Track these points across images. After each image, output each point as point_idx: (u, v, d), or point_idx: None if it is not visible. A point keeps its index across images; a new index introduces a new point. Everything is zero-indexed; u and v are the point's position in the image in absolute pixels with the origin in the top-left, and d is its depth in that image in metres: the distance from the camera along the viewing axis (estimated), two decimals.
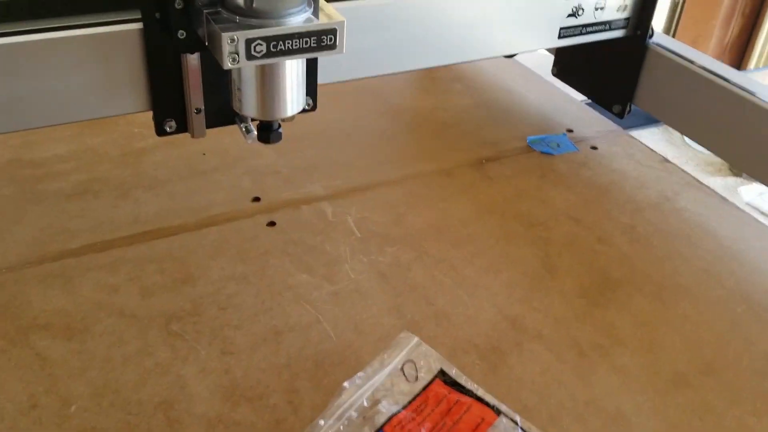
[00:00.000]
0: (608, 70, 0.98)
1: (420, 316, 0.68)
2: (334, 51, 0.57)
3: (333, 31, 0.56)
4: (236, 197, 0.83)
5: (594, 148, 0.98)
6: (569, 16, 0.87)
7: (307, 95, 0.71)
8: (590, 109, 1.07)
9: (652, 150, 0.99)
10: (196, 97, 0.66)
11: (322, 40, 0.56)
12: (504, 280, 0.74)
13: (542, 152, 0.96)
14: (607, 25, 0.91)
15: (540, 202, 0.86)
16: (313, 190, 0.85)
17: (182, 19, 0.60)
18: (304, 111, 0.72)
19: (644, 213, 0.86)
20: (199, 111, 0.67)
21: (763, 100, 0.81)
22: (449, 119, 1.02)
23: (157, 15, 0.60)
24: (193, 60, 0.63)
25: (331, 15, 0.57)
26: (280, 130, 0.66)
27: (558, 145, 0.98)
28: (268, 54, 0.55)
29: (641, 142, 1.00)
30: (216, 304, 0.68)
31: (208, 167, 0.88)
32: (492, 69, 1.17)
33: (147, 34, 0.62)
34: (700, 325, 0.70)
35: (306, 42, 0.56)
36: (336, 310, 0.68)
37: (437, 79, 1.13)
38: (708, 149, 0.90)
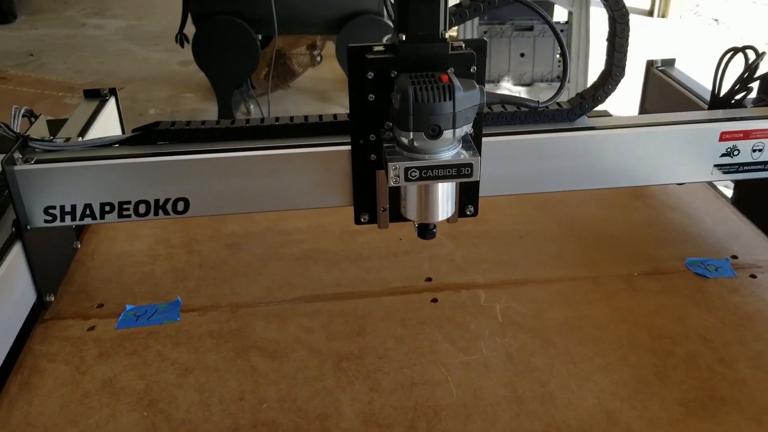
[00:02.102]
0: None
1: (529, 393, 0.83)
2: (471, 178, 0.78)
3: (469, 165, 0.77)
4: (414, 276, 1.06)
5: (753, 276, 1.03)
6: (723, 155, 0.97)
7: (470, 204, 0.92)
8: (766, 239, 1.12)
9: None
10: (382, 200, 0.91)
11: (461, 170, 0.77)
12: (615, 379, 0.85)
13: (697, 273, 1.04)
14: (767, 166, 0.98)
15: (676, 319, 0.95)
16: (475, 279, 1.04)
17: (374, 147, 0.85)
18: (467, 216, 0.93)
19: None
20: (384, 209, 0.92)
21: None
22: (617, 232, 1.15)
23: (361, 142, 0.87)
24: (382, 175, 0.88)
25: (472, 150, 0.78)
26: (434, 230, 0.87)
27: (716, 269, 1.05)
28: (420, 178, 0.77)
29: None
30: (375, 353, 0.90)
31: (400, 250, 1.12)
32: (680, 191, 1.26)
33: (354, 155, 0.88)
34: None
35: (449, 171, 0.77)
36: (463, 375, 0.86)
37: (620, 194, 1.26)
38: None
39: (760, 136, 0.96)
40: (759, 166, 0.98)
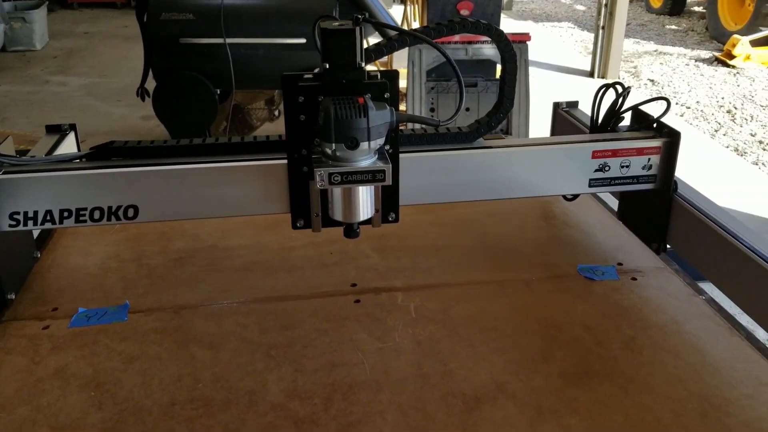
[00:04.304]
0: (648, 214, 1.21)
1: (432, 371, 0.97)
2: (384, 182, 0.93)
3: (383, 171, 0.92)
4: (341, 282, 1.19)
5: (634, 279, 1.19)
6: (596, 170, 1.14)
7: (391, 211, 1.07)
8: (649, 250, 1.28)
9: (687, 285, 1.17)
10: (315, 206, 1.05)
11: (376, 176, 0.92)
12: (506, 358, 0.99)
13: (586, 277, 1.20)
14: (635, 179, 1.16)
15: (561, 311, 1.10)
16: (394, 284, 1.18)
17: (305, 160, 1.00)
18: (389, 221, 1.07)
19: (649, 330, 1.05)
20: (317, 215, 1.06)
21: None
22: (521, 246, 1.30)
23: (295, 156, 1.01)
24: (314, 184, 1.02)
25: (385, 160, 0.93)
26: (358, 230, 1.01)
27: (603, 273, 1.21)
28: (342, 182, 0.92)
29: (681, 279, 1.19)
30: (301, 343, 1.03)
31: (330, 261, 1.26)
32: (579, 212, 1.43)
33: (289, 168, 1.02)
34: (649, 412, 0.89)
35: (365, 176, 0.92)
36: (377, 358, 0.99)
37: (527, 216, 1.42)
38: (727, 295, 1.07)
39: (625, 154, 1.13)
40: (628, 180, 1.15)
